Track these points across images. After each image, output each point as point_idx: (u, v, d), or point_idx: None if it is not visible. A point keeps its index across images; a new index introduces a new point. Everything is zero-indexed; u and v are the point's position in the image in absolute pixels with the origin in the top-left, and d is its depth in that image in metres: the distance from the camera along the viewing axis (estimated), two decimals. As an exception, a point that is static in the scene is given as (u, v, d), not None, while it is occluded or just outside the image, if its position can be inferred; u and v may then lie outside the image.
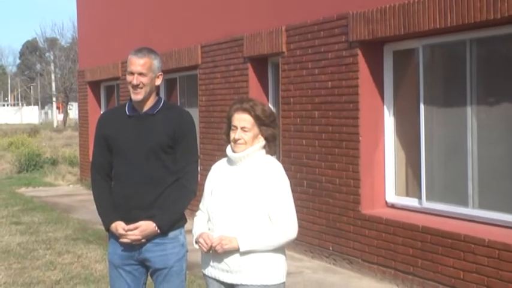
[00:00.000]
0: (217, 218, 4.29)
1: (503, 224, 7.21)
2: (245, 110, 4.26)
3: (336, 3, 8.92)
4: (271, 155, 4.42)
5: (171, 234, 4.73)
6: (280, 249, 4.29)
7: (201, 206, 4.49)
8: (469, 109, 7.64)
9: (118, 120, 4.84)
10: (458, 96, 7.79)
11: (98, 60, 17.41)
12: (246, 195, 4.21)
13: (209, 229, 4.34)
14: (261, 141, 4.33)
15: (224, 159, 4.47)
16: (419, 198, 8.33)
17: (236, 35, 11.14)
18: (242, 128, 4.26)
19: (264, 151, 4.36)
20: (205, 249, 4.24)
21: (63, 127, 54.90)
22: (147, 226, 4.63)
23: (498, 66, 7.35)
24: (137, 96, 4.71)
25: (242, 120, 4.26)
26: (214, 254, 4.22)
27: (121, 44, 15.56)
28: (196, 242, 4.34)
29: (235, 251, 4.16)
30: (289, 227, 4.23)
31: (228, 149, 4.36)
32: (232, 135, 4.28)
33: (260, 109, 4.29)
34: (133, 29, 15.21)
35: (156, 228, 4.64)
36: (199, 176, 4.89)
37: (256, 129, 4.29)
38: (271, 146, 4.38)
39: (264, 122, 4.29)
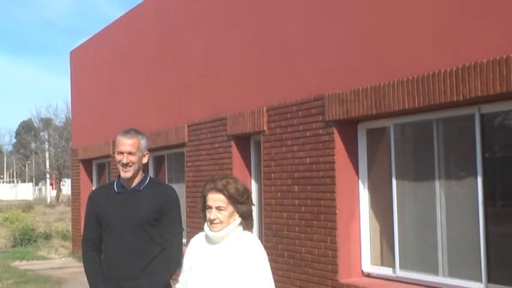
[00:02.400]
0: None
1: (471, 290, 7.25)
2: (218, 190, 4.14)
3: (313, 85, 9.05)
4: (248, 230, 4.30)
5: None
6: None
7: (180, 278, 4.40)
8: (437, 183, 7.71)
9: (107, 197, 4.92)
10: (427, 171, 7.87)
11: (90, 139, 17.44)
12: (225, 274, 4.11)
13: None
14: (237, 219, 4.21)
15: (202, 234, 4.35)
16: (393, 267, 8.30)
17: (220, 115, 11.25)
18: (217, 208, 4.14)
19: (240, 228, 4.25)
20: None
21: (56, 202, 54.39)
22: None
23: (461, 143, 7.43)
24: (127, 173, 4.80)
25: (216, 200, 4.14)
26: None
27: (112, 124, 15.62)
28: None
29: None
30: None
31: (206, 228, 4.25)
32: (208, 215, 4.18)
33: (233, 188, 4.16)
34: (123, 110, 15.31)
35: None
36: (184, 247, 4.93)
37: (231, 208, 4.16)
38: (247, 222, 4.27)
39: (238, 200, 4.17)
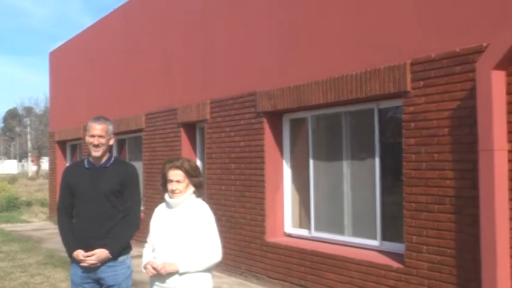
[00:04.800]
0: (160, 248, 4.27)
1: (369, 247, 7.35)
2: (177, 167, 4.29)
3: (247, 83, 9.05)
4: (200, 197, 4.44)
5: (120, 258, 4.73)
6: (208, 270, 4.30)
7: (148, 239, 4.46)
8: (344, 162, 7.82)
9: (79, 172, 4.86)
10: (336, 153, 7.96)
11: (64, 124, 17.12)
12: (182, 230, 4.20)
13: (154, 257, 4.31)
14: (191, 188, 4.35)
15: (163, 204, 4.45)
16: (309, 229, 8.39)
17: (172, 106, 11.19)
18: (177, 181, 4.28)
19: (194, 196, 4.38)
20: (151, 273, 4.23)
21: (36, 176, 53.16)
22: (101, 253, 4.63)
23: (364, 131, 7.50)
24: (97, 153, 4.74)
25: (176, 175, 4.28)
26: (159, 276, 4.20)
27: (83, 112, 15.37)
28: (144, 268, 4.31)
29: (175, 272, 4.15)
30: (215, 252, 4.25)
31: (167, 197, 4.36)
32: (170, 187, 4.30)
33: (188, 165, 4.32)
34: (93, 101, 15.07)
35: (109, 254, 4.65)
36: (141, 213, 4.91)
37: (187, 180, 4.31)
38: (199, 191, 4.41)
39: (191, 174, 4.33)
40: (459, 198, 5.81)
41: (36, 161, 62.66)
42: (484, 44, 5.50)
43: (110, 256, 4.64)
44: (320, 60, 7.67)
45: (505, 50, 5.12)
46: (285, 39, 8.32)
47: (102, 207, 4.68)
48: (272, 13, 8.62)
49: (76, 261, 4.72)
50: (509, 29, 5.11)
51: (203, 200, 4.49)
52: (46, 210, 19.50)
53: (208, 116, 9.97)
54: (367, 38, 6.96)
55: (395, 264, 6.56)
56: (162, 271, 4.15)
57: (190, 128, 10.98)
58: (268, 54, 8.65)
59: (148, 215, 4.65)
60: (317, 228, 8.28)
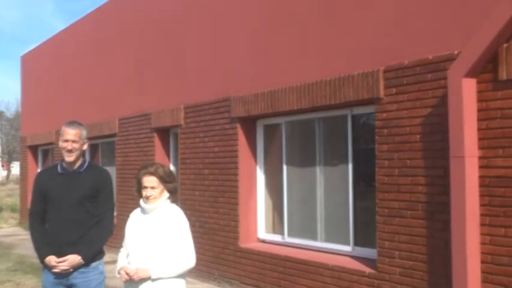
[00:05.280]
0: (134, 253, 4.25)
1: (341, 252, 7.37)
2: (151, 174, 4.28)
3: (221, 89, 9.04)
4: (175, 202, 4.45)
5: (93, 264, 4.68)
6: (182, 276, 4.28)
7: (123, 243, 4.45)
8: (318, 168, 7.85)
9: (51, 177, 4.80)
10: (310, 159, 7.98)
11: (36, 128, 16.92)
12: (156, 236, 4.19)
13: (128, 262, 4.29)
14: (166, 194, 4.34)
15: (138, 209, 4.44)
16: (283, 234, 8.39)
17: (146, 111, 11.12)
18: (151, 187, 4.27)
19: (169, 201, 4.38)
20: (124, 279, 4.21)
21: (6, 181, 52.40)
22: (74, 258, 4.57)
23: (337, 137, 7.52)
24: (70, 158, 4.69)
25: (150, 181, 4.28)
26: (132, 281, 4.17)
27: (55, 117, 15.19)
28: (118, 273, 4.30)
29: (148, 278, 4.13)
30: (189, 259, 4.24)
31: (141, 202, 4.35)
32: (144, 193, 4.29)
33: (162, 171, 4.31)
34: (65, 105, 14.90)
35: (81, 259, 4.59)
36: (115, 219, 4.87)
37: (161, 186, 4.30)
38: (173, 197, 4.41)
39: (166, 180, 4.32)
40: (431, 204, 5.87)
41: (7, 166, 61.79)
42: (456, 52, 5.58)
43: (83, 262, 4.59)
44: (294, 66, 7.69)
45: (476, 58, 5.19)
46: (259, 45, 8.34)
47: (75, 212, 4.63)
48: (246, 18, 8.64)
49: (48, 267, 4.65)
50: (480, 38, 5.18)
51: (178, 205, 4.48)
52: (17, 215, 19.22)
53: (182, 121, 9.93)
54: (341, 44, 7.00)
55: (368, 270, 6.59)
56: (135, 277, 4.13)
57: (164, 133, 10.92)
58: (243, 60, 8.66)
59: (122, 221, 4.63)
60: (290, 234, 8.28)
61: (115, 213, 4.95)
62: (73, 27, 15.03)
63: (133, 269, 4.16)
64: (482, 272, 5.27)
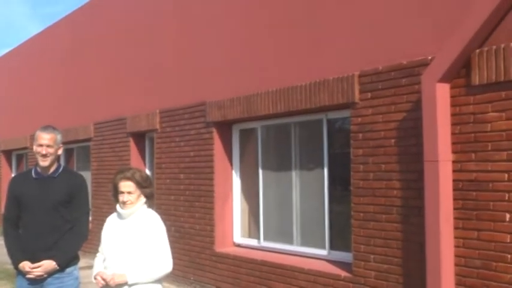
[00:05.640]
0: (110, 258, 4.22)
1: (317, 256, 7.38)
2: (128, 178, 4.26)
3: (197, 93, 9.01)
4: (151, 207, 4.42)
5: (68, 270, 4.63)
6: (158, 281, 4.26)
7: (99, 249, 4.42)
8: (293, 172, 7.86)
9: (26, 181, 4.74)
10: (286, 163, 7.99)
11: (10, 133, 16.73)
12: (133, 241, 4.17)
13: (105, 267, 4.26)
14: (142, 199, 4.32)
15: (115, 214, 4.41)
16: (259, 238, 8.39)
17: (121, 116, 11.06)
18: (128, 192, 4.24)
19: (145, 206, 4.35)
20: (100, 284, 4.17)
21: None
22: (48, 264, 4.52)
23: (313, 142, 7.55)
24: (45, 162, 4.65)
25: (127, 186, 4.25)
26: (109, 287, 4.13)
27: (29, 121, 15.04)
28: (94, 278, 4.26)
29: (125, 283, 4.10)
30: (166, 264, 4.21)
31: (118, 207, 4.32)
32: (121, 198, 4.26)
33: (139, 176, 4.29)
34: (40, 110, 14.75)
35: (56, 265, 4.54)
36: (90, 224, 4.83)
37: (138, 191, 4.27)
38: (150, 202, 4.39)
39: (142, 185, 4.29)
40: (405, 207, 5.91)
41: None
42: (430, 57, 5.63)
43: (57, 267, 4.54)
44: (270, 71, 7.70)
45: (449, 63, 5.25)
46: (235, 49, 8.34)
47: (50, 218, 4.57)
48: (223, 23, 8.64)
49: (22, 273, 4.59)
50: (453, 43, 5.24)
51: (154, 210, 4.45)
52: (-11, 221, 18.97)
53: (158, 126, 9.88)
54: (316, 49, 7.03)
55: (343, 273, 6.61)
56: (111, 282, 4.09)
57: (140, 137, 10.86)
58: (219, 65, 8.65)
59: (97, 225, 4.60)
60: (266, 238, 8.28)
61: (90, 218, 4.90)
62: (48, 31, 14.90)
63: (110, 274, 4.13)
64: (456, 274, 5.32)
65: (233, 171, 8.80)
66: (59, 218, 4.60)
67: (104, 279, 4.13)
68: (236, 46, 8.32)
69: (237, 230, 8.80)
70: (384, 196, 6.12)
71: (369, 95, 6.30)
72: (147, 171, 10.71)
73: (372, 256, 6.24)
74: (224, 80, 8.53)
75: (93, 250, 4.43)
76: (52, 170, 4.72)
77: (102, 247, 4.39)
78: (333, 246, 7.25)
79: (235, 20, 8.39)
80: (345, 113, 6.85)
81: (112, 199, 4.44)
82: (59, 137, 4.73)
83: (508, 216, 4.93)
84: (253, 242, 8.50)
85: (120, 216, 4.34)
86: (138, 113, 10.44)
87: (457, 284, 5.31)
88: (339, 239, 7.18)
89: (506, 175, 4.94)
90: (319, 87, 6.88)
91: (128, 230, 4.23)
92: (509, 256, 4.92)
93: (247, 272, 7.92)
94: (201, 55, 9.01)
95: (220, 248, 8.60)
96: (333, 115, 7.18)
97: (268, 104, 7.64)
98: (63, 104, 13.57)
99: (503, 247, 4.97)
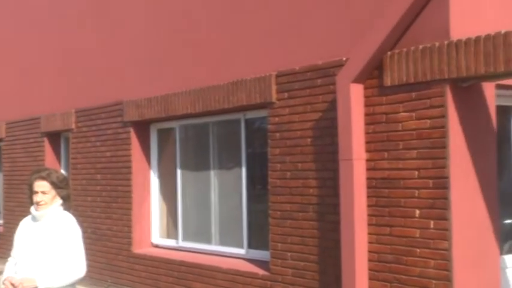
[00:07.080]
0: (21, 262, 4.10)
1: (235, 255, 7.39)
2: (43, 178, 4.16)
3: (114, 92, 8.85)
4: (68, 210, 4.32)
5: None
6: (71, 285, 4.16)
7: (12, 253, 4.29)
8: (212, 172, 7.83)
9: None
10: (204, 163, 7.96)
11: None
12: (45, 244, 4.06)
13: (15, 272, 4.11)
14: (58, 201, 4.21)
15: (30, 216, 4.29)
16: (177, 239, 8.32)
17: (35, 115, 10.72)
18: (42, 192, 4.14)
19: (61, 208, 4.25)
20: None
21: None
22: None
23: (231, 141, 7.56)
24: None
25: (41, 186, 4.14)
26: None
27: None
28: (3, 284, 4.08)
29: None
30: (79, 268, 4.13)
31: (32, 209, 4.21)
32: (35, 198, 4.15)
33: (55, 176, 4.20)
34: None
35: None
36: (1, 227, 4.66)
37: (53, 192, 4.17)
38: (66, 204, 4.30)
39: (58, 185, 4.20)
40: (321, 205, 6.00)
41: None
42: (344, 58, 5.74)
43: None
44: (188, 70, 7.66)
45: (363, 64, 5.37)
46: (152, 48, 8.24)
47: None
48: (139, 22, 8.53)
49: None
50: (366, 45, 5.37)
51: (70, 213, 4.34)
52: None
53: (73, 126, 9.65)
54: (234, 49, 7.05)
55: (261, 272, 6.65)
56: (20, 287, 3.95)
57: (55, 137, 10.56)
58: (136, 64, 8.53)
59: (9, 229, 4.46)
60: (185, 238, 8.23)
61: (0, 221, 4.73)
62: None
63: (19, 279, 3.99)
64: (370, 269, 5.45)
65: (151, 172, 8.70)
66: None
67: (12, 284, 3.98)
68: (154, 45, 8.23)
69: (155, 230, 8.70)
70: (301, 194, 6.20)
71: (286, 95, 6.37)
72: (63, 172, 10.43)
73: (289, 254, 6.31)
74: (141, 79, 8.41)
75: (6, 255, 4.27)
76: None
77: (14, 251, 4.25)
78: (251, 245, 7.28)
79: (153, 18, 8.29)
80: (263, 113, 6.89)
81: (28, 201, 4.32)
82: None
83: (417, 212, 5.10)
84: (171, 243, 8.43)
85: (34, 218, 4.22)
86: (53, 112, 10.15)
87: (371, 278, 5.44)
88: (257, 238, 7.22)
89: (416, 173, 5.11)
90: (237, 87, 6.90)
91: (41, 232, 4.12)
92: (418, 250, 5.09)
93: (166, 272, 7.85)
94: (118, 53, 8.86)
95: (138, 249, 8.48)
96: (250, 115, 7.21)
97: (186, 104, 7.59)
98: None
99: (412, 242, 5.13)
